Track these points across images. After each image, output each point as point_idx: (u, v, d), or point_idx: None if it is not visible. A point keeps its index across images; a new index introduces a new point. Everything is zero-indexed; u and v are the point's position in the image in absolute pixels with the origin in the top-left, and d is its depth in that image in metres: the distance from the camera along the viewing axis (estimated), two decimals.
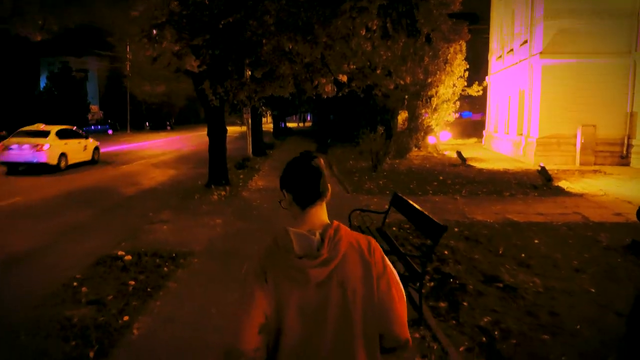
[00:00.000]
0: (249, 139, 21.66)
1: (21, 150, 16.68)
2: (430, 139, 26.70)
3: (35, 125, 18.42)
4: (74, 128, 20.12)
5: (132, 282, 6.05)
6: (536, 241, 7.72)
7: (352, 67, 11.63)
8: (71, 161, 18.27)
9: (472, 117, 55.12)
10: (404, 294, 1.83)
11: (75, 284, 6.03)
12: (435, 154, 23.98)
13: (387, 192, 12.25)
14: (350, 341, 1.69)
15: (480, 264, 6.58)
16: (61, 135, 17.96)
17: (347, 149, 25.44)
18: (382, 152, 16.78)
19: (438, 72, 21.70)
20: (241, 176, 15.52)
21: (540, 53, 18.92)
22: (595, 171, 17.04)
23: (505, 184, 13.60)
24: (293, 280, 1.67)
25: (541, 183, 13.33)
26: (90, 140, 20.36)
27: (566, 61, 18.72)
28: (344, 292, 1.69)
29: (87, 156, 19.68)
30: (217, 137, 13.38)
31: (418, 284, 4.84)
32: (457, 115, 27.13)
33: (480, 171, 17.02)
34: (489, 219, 9.38)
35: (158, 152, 27.12)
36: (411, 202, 6.25)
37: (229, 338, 1.71)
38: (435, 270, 6.32)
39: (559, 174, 16.00)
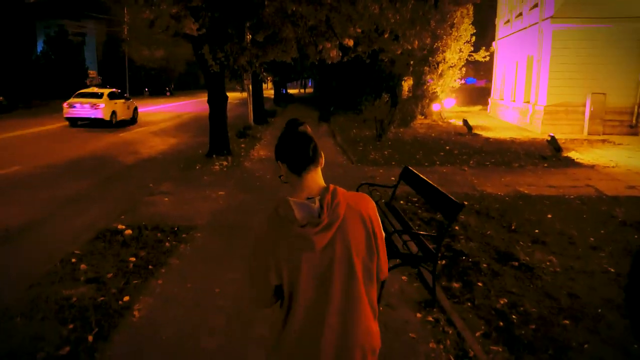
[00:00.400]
0: (250, 107, 21.22)
1: (82, 108, 21.06)
2: (435, 106, 26.22)
3: (90, 88, 23.49)
4: (119, 91, 23.98)
5: (133, 259, 5.82)
6: (549, 216, 7.48)
7: (358, 30, 11.18)
8: (119, 118, 22.17)
9: (476, 83, 54.32)
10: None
11: (73, 260, 5.80)
12: (440, 122, 23.56)
13: (393, 163, 11.97)
14: (355, 290, 1.84)
15: (493, 240, 6.35)
16: (111, 96, 22.05)
17: (350, 116, 25.00)
18: (387, 120, 16.39)
19: (444, 36, 21.09)
20: (242, 145, 15.20)
21: (551, 17, 18.31)
22: (603, 141, 16.71)
23: (514, 154, 13.29)
24: (300, 248, 1.77)
25: (550, 154, 13.02)
26: (132, 101, 24.25)
27: (577, 26, 18.13)
28: (348, 251, 1.81)
29: (129, 115, 23.40)
30: (217, 105, 13.01)
31: (431, 265, 4.61)
32: (462, 81, 26.59)
33: (487, 140, 16.68)
34: (499, 191, 9.12)
35: (157, 118, 26.71)
36: (423, 176, 5.96)
37: (247, 302, 2.06)
38: (447, 248, 6.09)
39: (567, 143, 15.68)
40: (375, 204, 1.95)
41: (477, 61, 25.64)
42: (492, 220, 7.25)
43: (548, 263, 5.57)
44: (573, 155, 13.35)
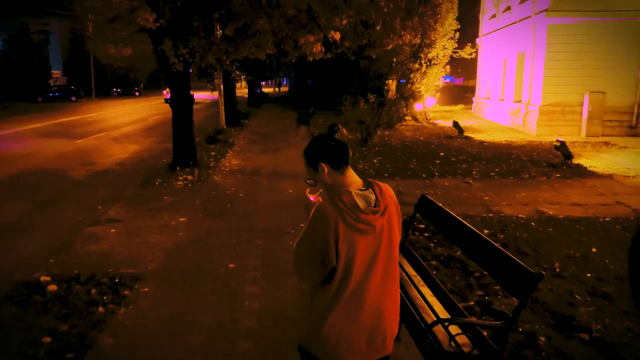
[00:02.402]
0: (222, 108, 19.40)
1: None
2: (417, 106, 24.86)
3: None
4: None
5: (47, 339, 4.08)
6: (594, 250, 5.96)
7: (344, 22, 9.53)
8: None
9: (454, 81, 53.16)
10: None
11: None
12: (425, 124, 22.13)
13: (386, 175, 10.40)
14: (392, 267, 2.13)
15: (540, 293, 4.78)
16: None
17: (330, 118, 23.33)
18: (373, 123, 14.81)
19: (429, 32, 19.63)
20: (212, 153, 13.41)
21: (546, 11, 16.96)
22: (606, 143, 15.43)
23: (518, 162, 11.85)
24: (362, 231, 2.00)
25: (558, 161, 11.64)
26: None
27: (574, 20, 16.84)
28: (391, 233, 2.10)
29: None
30: (181, 109, 11.20)
31: None
32: (447, 79, 25.28)
33: (482, 145, 15.24)
34: (520, 212, 7.59)
35: (121, 122, 24.71)
36: (458, 217, 4.26)
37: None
38: (483, 306, 4.51)
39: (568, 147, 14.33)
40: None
41: (455, 59, 24.39)
42: (526, 258, 5.70)
43: (629, 334, 4.02)
44: (583, 162, 11.95)
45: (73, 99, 44.69)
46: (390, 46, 11.03)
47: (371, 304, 2.03)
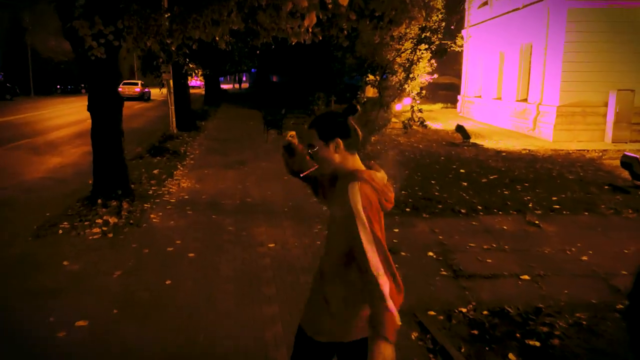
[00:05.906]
0: (171, 109, 15.71)
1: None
2: (397, 106, 21.93)
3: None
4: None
5: None
6: None
7: None
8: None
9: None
10: None
11: None
12: (415, 127, 19.06)
13: (408, 209, 7.14)
14: None
15: None
16: (142, 85, 39.24)
17: (302, 119, 20.05)
18: (368, 128, 11.61)
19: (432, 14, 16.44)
20: (155, 171, 9.81)
21: None
22: None
23: (572, 184, 8.83)
24: (385, 210, 1.92)
25: (623, 183, 8.74)
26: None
27: (600, 4, 14.07)
28: None
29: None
30: (103, 115, 7.59)
31: None
32: (435, 76, 22.36)
33: (501, 155, 12.22)
34: None
35: (54, 124, 20.62)
36: None
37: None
38: None
39: (605, 157, 11.56)
40: None
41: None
42: None
43: None
44: None
45: (8, 97, 39.57)
46: (404, 26, 7.79)
47: None
